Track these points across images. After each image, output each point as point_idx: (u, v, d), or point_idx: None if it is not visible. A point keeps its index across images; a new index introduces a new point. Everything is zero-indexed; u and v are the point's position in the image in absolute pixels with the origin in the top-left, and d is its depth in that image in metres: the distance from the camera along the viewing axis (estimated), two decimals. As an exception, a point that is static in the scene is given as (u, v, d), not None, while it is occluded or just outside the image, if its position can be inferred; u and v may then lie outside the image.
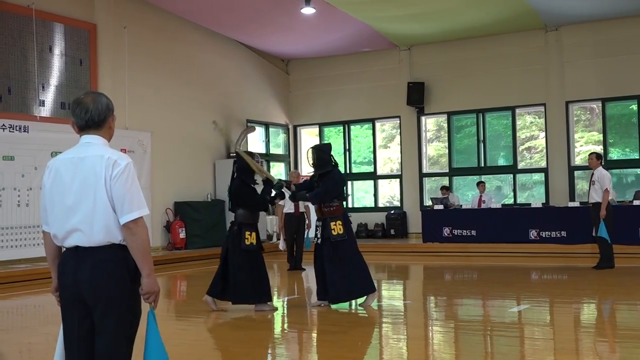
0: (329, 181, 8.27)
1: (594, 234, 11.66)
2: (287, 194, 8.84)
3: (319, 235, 8.32)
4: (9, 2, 12.98)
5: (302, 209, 12.51)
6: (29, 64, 13.30)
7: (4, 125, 12.50)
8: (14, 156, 12.65)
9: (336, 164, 8.47)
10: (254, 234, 8.18)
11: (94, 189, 3.29)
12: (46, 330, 7.66)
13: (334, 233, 8.12)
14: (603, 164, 11.80)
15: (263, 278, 8.17)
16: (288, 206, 12.42)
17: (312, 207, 11.72)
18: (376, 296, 8.52)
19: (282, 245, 13.03)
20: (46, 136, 13.08)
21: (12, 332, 7.75)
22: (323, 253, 8.24)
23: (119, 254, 3.32)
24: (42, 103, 13.55)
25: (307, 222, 12.56)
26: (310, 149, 8.47)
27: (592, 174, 11.60)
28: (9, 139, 12.55)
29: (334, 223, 8.15)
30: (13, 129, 12.64)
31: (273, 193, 8.49)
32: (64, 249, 3.41)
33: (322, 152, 8.44)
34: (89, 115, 3.39)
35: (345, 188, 8.77)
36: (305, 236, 12.41)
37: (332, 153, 8.54)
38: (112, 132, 3.51)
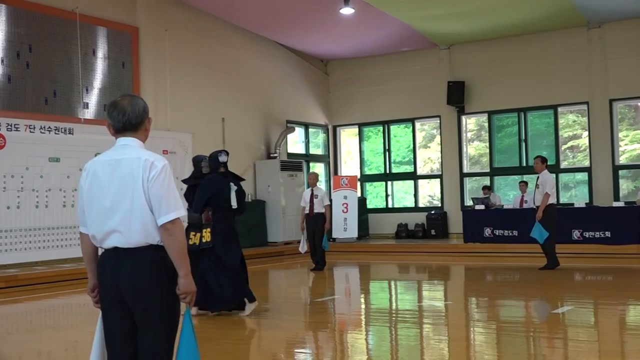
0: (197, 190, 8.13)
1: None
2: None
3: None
4: (54, 6, 13.25)
5: (318, 210, 12.54)
6: (73, 67, 13.55)
7: (49, 127, 12.76)
8: (60, 158, 12.90)
9: (213, 171, 8.18)
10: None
11: (132, 190, 3.32)
12: (91, 329, 7.75)
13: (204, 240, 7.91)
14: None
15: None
16: (307, 207, 12.57)
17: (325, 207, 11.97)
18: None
19: (301, 247, 13.10)
20: (90, 138, 13.31)
21: (59, 330, 7.90)
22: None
23: (157, 255, 3.35)
24: (86, 105, 13.79)
25: (325, 222, 12.57)
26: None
27: (538, 177, 11.84)
28: (54, 140, 12.80)
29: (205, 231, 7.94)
30: (58, 131, 12.89)
31: None
32: (103, 250, 3.44)
33: (193, 163, 8.53)
34: (126, 117, 3.42)
35: (221, 195, 8.09)
36: (324, 237, 12.47)
37: (207, 162, 8.30)
38: (148, 134, 3.54)
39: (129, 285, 3.32)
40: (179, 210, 3.33)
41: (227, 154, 8.34)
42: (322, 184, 20.60)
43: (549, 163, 17.64)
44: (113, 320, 3.42)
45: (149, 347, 3.36)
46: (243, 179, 8.61)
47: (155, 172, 3.31)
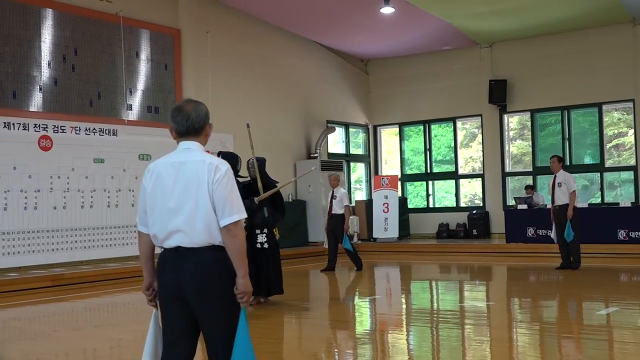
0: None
1: (552, 236, 12.00)
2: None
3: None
4: (98, 10, 13.48)
5: (336, 211, 12.46)
6: (117, 70, 13.77)
7: (94, 129, 12.99)
8: (104, 159, 13.12)
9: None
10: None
11: (196, 192, 3.41)
12: (136, 327, 7.91)
13: None
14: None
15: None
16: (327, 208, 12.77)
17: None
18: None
19: (325, 245, 13.14)
20: (134, 139, 13.53)
21: (104, 328, 8.03)
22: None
23: (220, 255, 3.44)
24: (130, 107, 14.00)
25: (345, 223, 12.49)
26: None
27: (555, 176, 11.88)
28: (99, 142, 13.03)
29: None
30: (103, 132, 13.12)
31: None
32: (163, 250, 3.52)
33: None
34: (190, 122, 3.54)
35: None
36: (344, 236, 12.39)
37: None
38: (208, 138, 3.65)
39: (192, 284, 3.40)
40: (241, 212, 3.43)
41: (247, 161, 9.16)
42: (362, 184, 20.62)
43: (592, 161, 17.54)
44: (171, 319, 3.49)
45: (213, 344, 3.44)
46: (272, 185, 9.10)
47: (219, 175, 3.41)
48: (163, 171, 3.51)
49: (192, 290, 3.40)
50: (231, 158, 8.56)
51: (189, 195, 3.42)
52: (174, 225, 3.43)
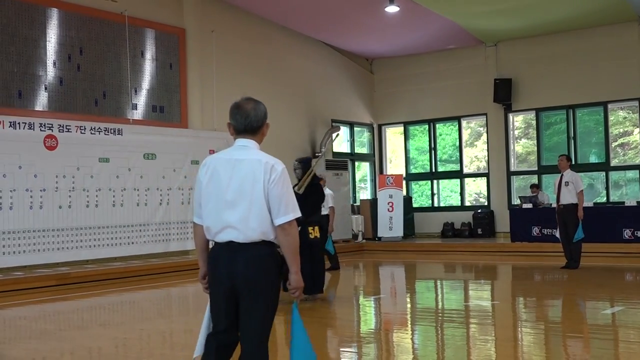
0: None
1: (557, 235, 12.08)
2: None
3: None
4: (103, 10, 13.51)
5: (322, 212, 12.17)
6: (122, 69, 13.80)
7: (99, 128, 13.01)
8: (109, 158, 13.14)
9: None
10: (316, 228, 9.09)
11: (252, 190, 3.54)
12: (141, 327, 7.94)
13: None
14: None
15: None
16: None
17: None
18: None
19: None
20: (139, 138, 13.55)
21: (109, 327, 8.05)
22: None
23: (269, 250, 3.59)
24: (135, 106, 14.02)
25: (330, 224, 12.37)
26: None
27: (562, 175, 11.87)
28: (104, 141, 13.05)
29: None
30: (108, 132, 13.14)
31: None
32: (214, 244, 3.66)
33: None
34: (249, 120, 3.67)
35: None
36: (328, 239, 12.29)
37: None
38: (264, 137, 3.79)
39: (243, 277, 3.54)
40: (296, 211, 3.58)
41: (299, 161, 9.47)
42: (367, 183, 20.61)
43: (598, 160, 17.49)
44: (220, 310, 3.63)
45: (254, 332, 3.58)
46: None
47: (276, 175, 3.54)
48: (219, 166, 3.63)
49: (241, 281, 3.55)
50: (307, 162, 9.35)
51: (244, 193, 3.54)
52: (228, 221, 3.55)
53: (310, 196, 9.07)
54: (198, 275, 3.82)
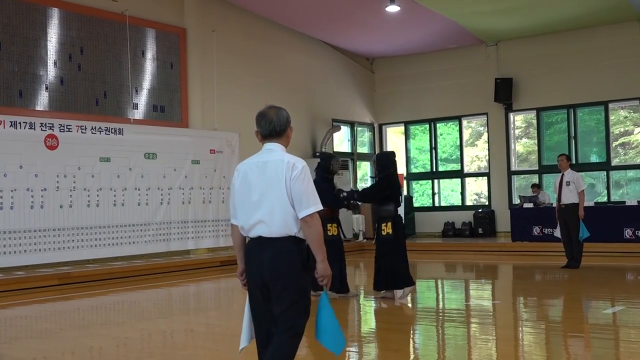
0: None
1: (557, 234, 12.10)
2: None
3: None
4: (104, 9, 13.51)
5: None
6: (123, 69, 13.80)
7: (100, 128, 13.01)
8: (110, 157, 13.15)
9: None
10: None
11: (276, 187, 3.84)
12: (142, 326, 7.94)
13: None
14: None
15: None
16: None
17: None
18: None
19: None
20: (140, 138, 13.56)
21: (110, 327, 8.05)
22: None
23: (294, 244, 3.85)
24: (136, 106, 14.03)
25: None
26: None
27: (563, 175, 11.93)
28: (105, 141, 13.06)
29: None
30: (109, 131, 13.14)
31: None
32: (249, 239, 3.96)
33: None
34: (272, 126, 4.00)
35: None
36: None
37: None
38: (289, 140, 4.09)
39: (270, 268, 3.83)
40: (317, 205, 3.83)
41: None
42: (368, 182, 20.58)
43: (599, 160, 17.49)
44: (257, 301, 3.92)
45: (283, 323, 3.84)
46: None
47: (296, 172, 3.84)
48: (249, 170, 3.96)
49: (269, 274, 3.83)
50: (324, 158, 9.35)
51: (270, 191, 3.84)
52: (257, 217, 3.86)
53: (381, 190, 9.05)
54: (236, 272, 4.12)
